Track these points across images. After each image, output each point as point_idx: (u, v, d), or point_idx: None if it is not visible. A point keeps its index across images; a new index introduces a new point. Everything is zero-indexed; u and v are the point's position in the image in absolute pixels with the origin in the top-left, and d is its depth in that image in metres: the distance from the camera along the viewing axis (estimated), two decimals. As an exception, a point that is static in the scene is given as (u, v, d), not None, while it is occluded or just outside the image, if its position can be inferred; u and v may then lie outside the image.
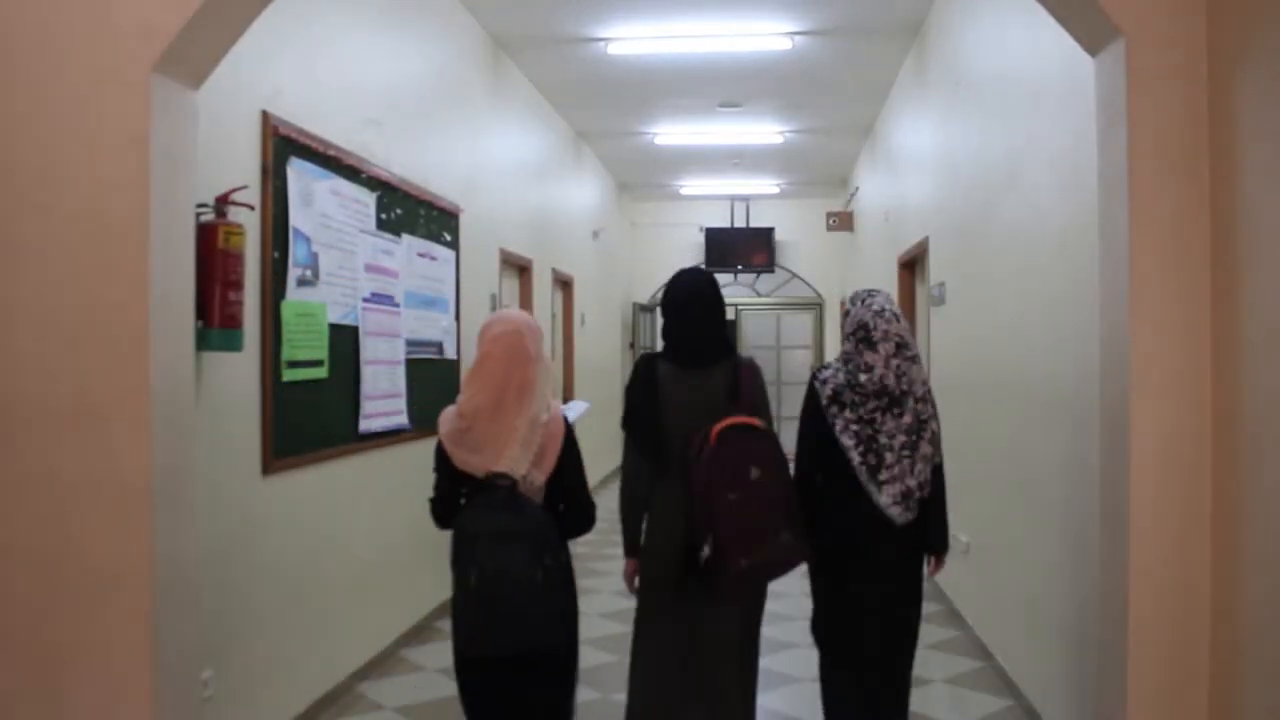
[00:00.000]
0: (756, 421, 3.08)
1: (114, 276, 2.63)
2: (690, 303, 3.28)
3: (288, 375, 3.91)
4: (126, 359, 2.63)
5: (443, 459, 2.85)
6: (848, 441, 3.18)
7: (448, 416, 2.84)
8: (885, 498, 3.15)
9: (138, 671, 2.62)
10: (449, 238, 5.83)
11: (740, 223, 13.82)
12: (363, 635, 4.70)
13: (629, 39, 7.05)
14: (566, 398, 9.34)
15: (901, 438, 3.16)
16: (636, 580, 3.30)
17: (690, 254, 13.90)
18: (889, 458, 3.16)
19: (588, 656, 5.02)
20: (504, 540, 2.66)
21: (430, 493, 2.88)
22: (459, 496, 2.83)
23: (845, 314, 3.45)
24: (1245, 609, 2.42)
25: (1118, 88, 2.66)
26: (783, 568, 3.05)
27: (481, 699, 2.86)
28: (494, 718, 2.86)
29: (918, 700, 4.44)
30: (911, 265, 7.67)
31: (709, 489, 2.97)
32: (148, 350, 2.63)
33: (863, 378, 3.20)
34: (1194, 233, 2.57)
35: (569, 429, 2.92)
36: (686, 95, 8.64)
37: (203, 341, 3.15)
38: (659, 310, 3.64)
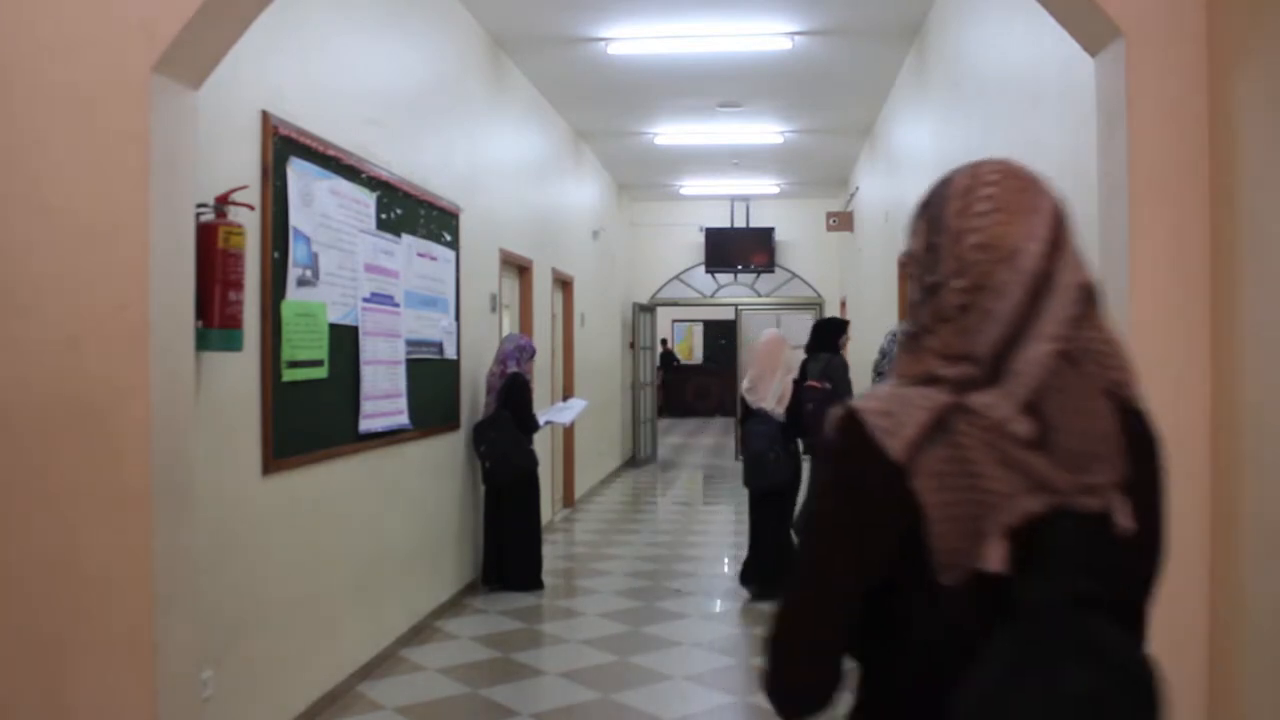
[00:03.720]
0: (816, 384, 6.15)
1: (114, 276, 2.63)
2: (816, 329, 6.72)
3: (288, 375, 3.91)
4: (126, 359, 2.63)
5: (742, 399, 6.37)
6: None
7: (745, 380, 6.39)
8: None
9: (138, 671, 2.63)
10: (449, 238, 5.83)
11: (740, 223, 13.82)
12: (363, 635, 4.70)
13: (629, 39, 7.05)
14: (566, 396, 9.34)
15: None
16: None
17: (690, 254, 13.91)
18: None
19: (588, 656, 5.04)
20: (761, 436, 6.12)
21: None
22: (747, 418, 6.33)
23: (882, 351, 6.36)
24: (1245, 608, 2.42)
25: (1118, 88, 2.66)
26: None
27: (753, 511, 6.31)
28: (760, 518, 6.24)
29: (918, 700, 4.45)
30: (911, 265, 7.66)
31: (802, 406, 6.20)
32: (148, 350, 2.63)
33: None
34: (1194, 233, 2.57)
35: (797, 386, 6.17)
36: (686, 95, 8.63)
37: (203, 341, 3.15)
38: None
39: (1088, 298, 1.14)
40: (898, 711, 1.16)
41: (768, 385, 6.23)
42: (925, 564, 1.10)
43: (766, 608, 6.34)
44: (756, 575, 6.30)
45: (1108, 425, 1.13)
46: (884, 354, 5.74)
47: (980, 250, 1.14)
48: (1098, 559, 1.09)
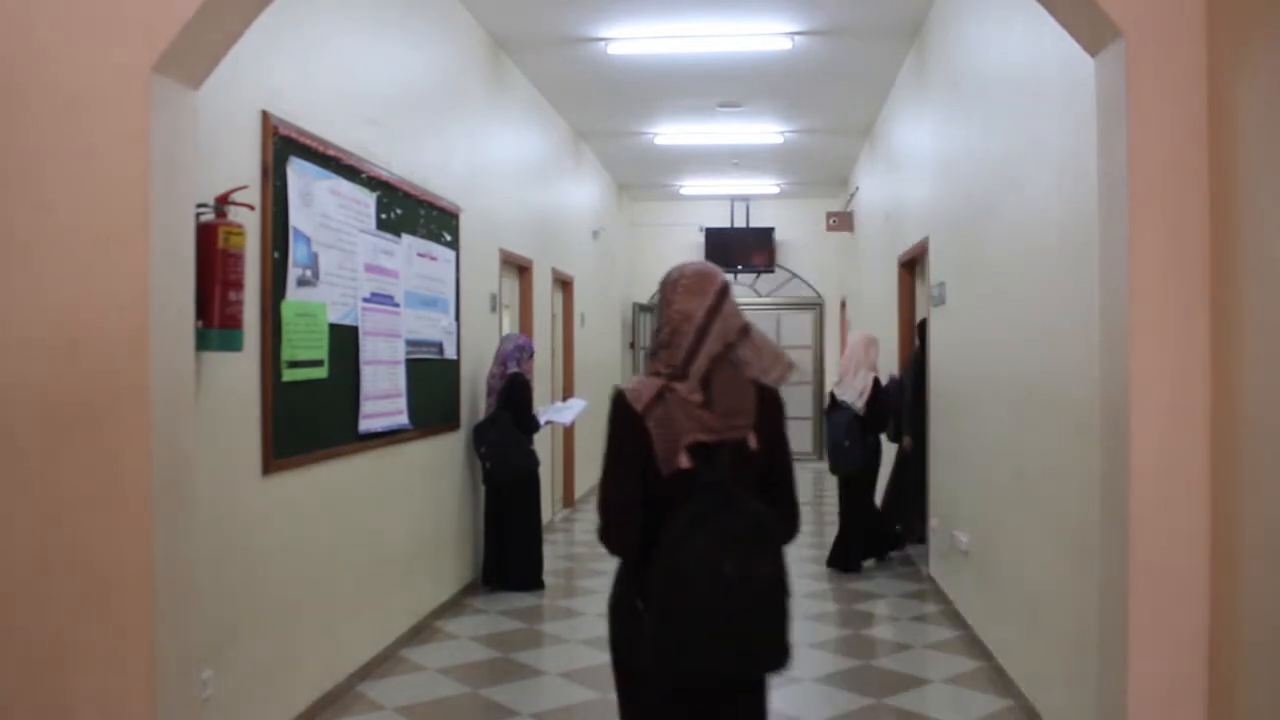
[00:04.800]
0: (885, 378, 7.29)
1: (114, 276, 2.63)
2: (918, 329, 7.18)
3: (288, 375, 3.91)
4: (126, 359, 2.63)
5: (831, 393, 6.95)
6: None
7: (836, 375, 6.91)
8: None
9: (138, 671, 2.63)
10: (449, 238, 5.83)
11: (740, 223, 13.82)
12: (363, 635, 4.70)
13: (629, 39, 7.04)
14: (566, 396, 9.34)
15: None
16: None
17: (690, 254, 13.89)
18: None
19: (588, 656, 5.03)
20: (837, 426, 6.97)
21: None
22: (832, 410, 6.97)
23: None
24: (1245, 609, 2.42)
25: (1118, 88, 2.66)
26: None
27: (840, 497, 7.14)
28: (844, 502, 7.20)
29: (916, 700, 4.45)
30: (911, 265, 7.67)
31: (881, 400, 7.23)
32: (148, 350, 2.63)
33: None
34: (1194, 232, 2.57)
35: (877, 383, 6.91)
36: (686, 95, 8.63)
37: (203, 341, 3.15)
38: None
39: (742, 332, 2.38)
40: (646, 541, 2.29)
41: (851, 380, 6.90)
42: (654, 464, 2.26)
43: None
44: (841, 555, 7.05)
45: (748, 397, 2.31)
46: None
47: (677, 314, 2.37)
48: (738, 463, 2.29)
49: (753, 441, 2.29)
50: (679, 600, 2.21)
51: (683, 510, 2.22)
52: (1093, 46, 2.83)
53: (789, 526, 2.40)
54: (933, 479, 6.57)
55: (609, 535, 2.36)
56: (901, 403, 7.18)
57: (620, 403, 2.30)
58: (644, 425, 2.25)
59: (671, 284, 2.43)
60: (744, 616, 2.21)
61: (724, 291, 2.41)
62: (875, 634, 5.52)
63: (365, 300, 4.61)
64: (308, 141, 4.06)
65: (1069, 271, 3.64)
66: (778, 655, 2.30)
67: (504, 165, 7.34)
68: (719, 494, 2.23)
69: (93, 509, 2.63)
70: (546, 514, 7.95)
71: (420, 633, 5.37)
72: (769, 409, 2.35)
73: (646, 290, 14.06)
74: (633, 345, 13.54)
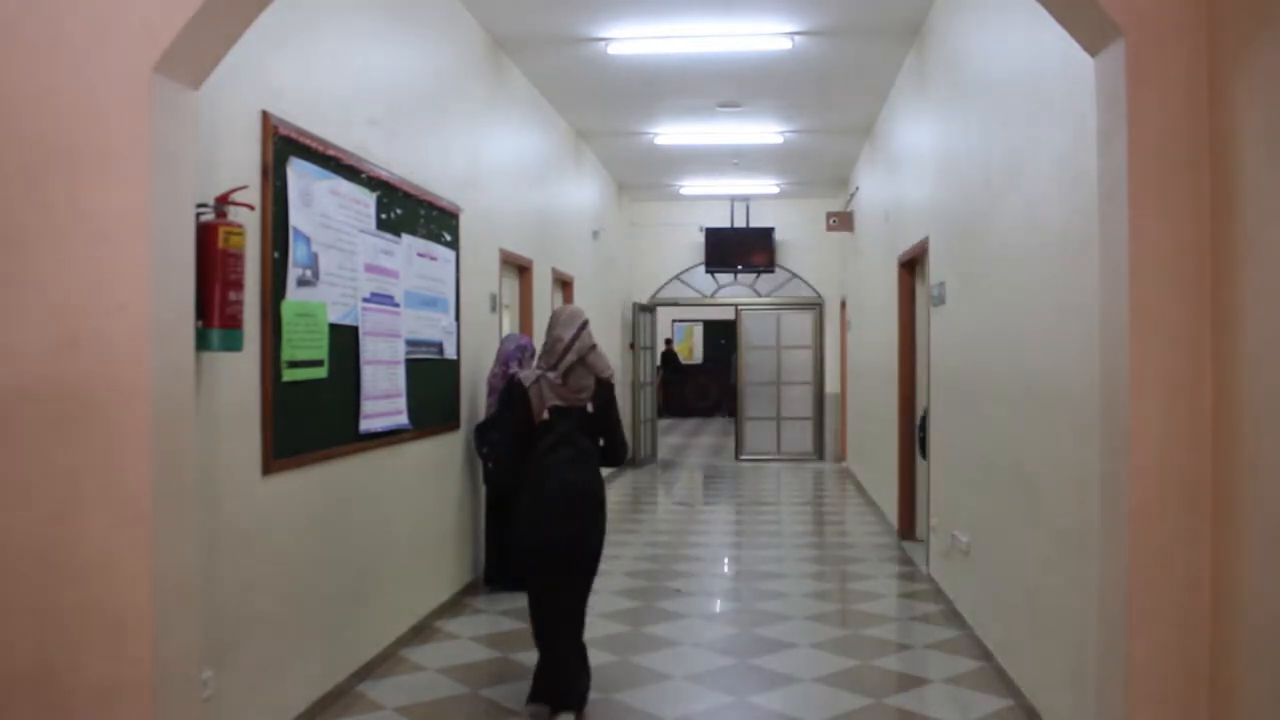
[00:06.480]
0: None
1: (114, 276, 2.64)
2: None
3: (288, 375, 3.91)
4: (126, 359, 2.63)
5: None
6: None
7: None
8: None
9: (138, 671, 2.63)
10: (449, 238, 5.83)
11: (740, 223, 13.82)
12: (363, 635, 4.70)
13: (629, 39, 7.05)
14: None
15: None
16: None
17: (690, 254, 13.91)
18: None
19: (589, 656, 5.02)
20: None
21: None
22: None
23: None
24: (1245, 608, 2.42)
25: (1118, 88, 2.66)
26: None
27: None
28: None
29: (916, 700, 4.45)
30: (911, 265, 7.67)
31: None
32: (148, 350, 2.63)
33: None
34: (1194, 233, 2.58)
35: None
36: (686, 95, 8.64)
37: (203, 341, 3.15)
38: None
39: (591, 349, 4.20)
40: (527, 460, 4.17)
41: None
42: (531, 416, 4.14)
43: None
44: None
45: (590, 384, 4.19)
46: None
47: (555, 336, 4.22)
48: (581, 420, 4.20)
49: (589, 408, 4.17)
50: (541, 492, 4.03)
51: (545, 442, 4.06)
52: (1093, 46, 2.83)
53: (618, 454, 4.29)
54: (933, 478, 6.58)
55: (503, 457, 4.34)
56: None
57: (515, 380, 4.16)
58: (526, 394, 4.11)
59: (555, 318, 4.23)
60: (576, 507, 4.06)
61: (583, 325, 4.18)
62: (875, 634, 5.52)
63: (365, 300, 4.61)
64: (308, 141, 4.06)
65: (1069, 272, 3.64)
66: (595, 534, 4.15)
67: (504, 165, 7.34)
68: (565, 436, 4.09)
69: (93, 509, 2.63)
70: (546, 514, 7.94)
71: (420, 633, 5.37)
72: (603, 390, 4.20)
73: (647, 290, 14.07)
74: (633, 346, 13.53)
